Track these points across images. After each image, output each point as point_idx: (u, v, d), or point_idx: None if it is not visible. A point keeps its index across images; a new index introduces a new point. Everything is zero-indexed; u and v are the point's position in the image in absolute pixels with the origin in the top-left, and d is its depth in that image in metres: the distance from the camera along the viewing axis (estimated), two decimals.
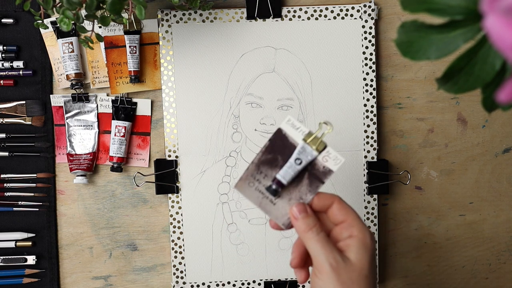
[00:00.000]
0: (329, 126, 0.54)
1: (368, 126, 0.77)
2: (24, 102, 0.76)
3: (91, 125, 0.77)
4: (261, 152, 0.56)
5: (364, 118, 0.77)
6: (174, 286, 0.77)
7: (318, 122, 0.54)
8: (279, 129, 0.55)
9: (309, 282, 0.64)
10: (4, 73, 0.75)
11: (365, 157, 0.77)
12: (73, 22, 0.58)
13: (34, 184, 0.77)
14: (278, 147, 0.55)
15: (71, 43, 0.74)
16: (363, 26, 0.76)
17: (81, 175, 0.75)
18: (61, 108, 0.76)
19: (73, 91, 0.76)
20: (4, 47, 0.75)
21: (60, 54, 0.75)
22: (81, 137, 0.77)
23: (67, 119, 0.76)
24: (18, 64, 0.76)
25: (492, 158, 0.81)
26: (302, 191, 0.55)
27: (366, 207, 0.78)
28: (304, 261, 0.55)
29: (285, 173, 0.55)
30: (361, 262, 0.51)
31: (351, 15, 0.76)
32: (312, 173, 0.55)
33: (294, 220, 0.53)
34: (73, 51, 0.74)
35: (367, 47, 0.77)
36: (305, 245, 0.53)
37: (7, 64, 0.75)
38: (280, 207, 0.55)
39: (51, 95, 0.76)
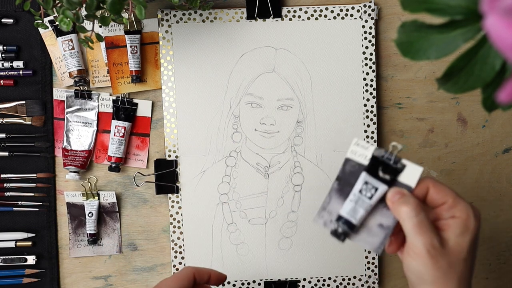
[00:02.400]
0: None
1: (368, 126, 0.77)
2: (24, 102, 0.76)
3: (90, 123, 0.77)
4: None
5: (364, 118, 0.77)
6: None
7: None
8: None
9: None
10: (4, 73, 0.75)
11: None
12: (73, 21, 0.58)
13: (34, 184, 0.77)
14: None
15: (71, 40, 0.74)
16: (363, 26, 0.76)
17: (74, 172, 0.75)
18: (63, 102, 0.76)
19: (77, 88, 0.76)
20: (4, 47, 0.75)
21: (61, 53, 0.75)
22: (78, 134, 0.77)
23: (67, 113, 0.76)
24: (18, 64, 0.76)
25: (492, 158, 0.81)
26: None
27: None
28: (401, 244, 0.52)
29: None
30: (460, 246, 0.48)
31: (351, 15, 0.76)
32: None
33: (391, 204, 0.50)
34: (73, 48, 0.74)
35: (367, 47, 0.77)
36: (402, 229, 0.50)
37: (7, 64, 0.75)
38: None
39: (53, 89, 0.76)
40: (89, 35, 0.62)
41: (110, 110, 0.77)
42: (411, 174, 0.50)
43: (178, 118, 0.76)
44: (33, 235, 0.77)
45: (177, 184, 0.77)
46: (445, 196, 0.49)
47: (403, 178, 0.50)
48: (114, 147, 0.76)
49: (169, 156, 0.76)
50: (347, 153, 0.52)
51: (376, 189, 0.50)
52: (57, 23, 0.58)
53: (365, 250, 0.78)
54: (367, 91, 0.77)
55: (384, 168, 0.50)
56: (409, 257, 0.49)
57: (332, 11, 0.76)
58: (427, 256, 0.48)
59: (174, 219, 0.77)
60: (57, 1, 0.62)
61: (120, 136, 0.76)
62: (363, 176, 0.51)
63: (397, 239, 0.52)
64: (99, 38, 0.63)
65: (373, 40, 0.77)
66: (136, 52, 0.74)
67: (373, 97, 0.77)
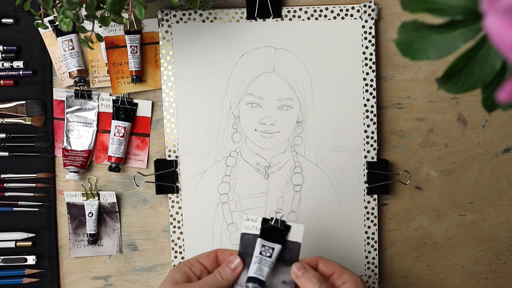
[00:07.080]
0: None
1: (368, 126, 0.77)
2: (24, 102, 0.76)
3: (91, 123, 0.77)
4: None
5: (364, 118, 0.77)
6: None
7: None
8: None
9: None
10: (4, 73, 0.75)
11: (365, 157, 0.77)
12: (73, 21, 0.58)
13: (34, 184, 0.77)
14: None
15: (71, 40, 0.74)
16: (363, 26, 0.76)
17: (74, 172, 0.75)
18: (63, 102, 0.76)
19: (77, 88, 0.76)
20: (4, 47, 0.75)
21: (61, 53, 0.75)
22: (78, 134, 0.77)
23: (67, 114, 0.76)
24: (18, 64, 0.76)
25: (492, 158, 0.81)
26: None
27: (366, 207, 0.78)
28: None
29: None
30: None
31: (351, 15, 0.76)
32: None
33: (296, 279, 0.59)
34: (73, 48, 0.74)
35: (367, 47, 0.77)
36: None
37: (7, 64, 0.75)
38: None
39: (53, 89, 0.76)
40: (89, 35, 0.62)
41: (110, 110, 0.77)
42: (296, 232, 0.60)
43: (178, 118, 0.76)
44: (33, 235, 0.77)
45: (177, 184, 0.77)
46: (332, 268, 0.60)
47: (291, 236, 0.60)
48: (114, 147, 0.76)
49: (169, 156, 0.76)
50: (241, 229, 0.61)
51: (273, 249, 0.59)
52: (57, 23, 0.58)
53: (365, 250, 0.79)
54: (367, 91, 0.77)
55: (274, 232, 0.60)
56: None
57: (332, 11, 0.76)
58: None
59: (174, 219, 0.77)
60: (57, 1, 0.62)
61: (120, 136, 0.76)
62: (259, 241, 0.59)
63: None
64: (99, 38, 0.63)
65: (373, 40, 0.77)
66: (136, 52, 0.74)
67: (373, 97, 0.77)
